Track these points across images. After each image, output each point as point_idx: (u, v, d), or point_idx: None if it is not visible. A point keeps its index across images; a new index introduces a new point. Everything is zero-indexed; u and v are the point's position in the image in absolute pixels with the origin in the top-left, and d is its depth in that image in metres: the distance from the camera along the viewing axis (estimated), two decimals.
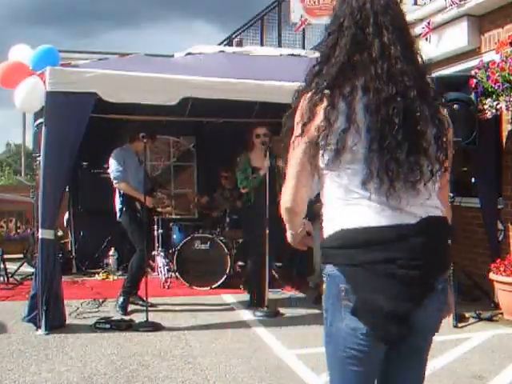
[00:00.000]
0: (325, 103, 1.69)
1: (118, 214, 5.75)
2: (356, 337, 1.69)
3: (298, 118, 1.76)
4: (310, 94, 1.74)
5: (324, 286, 1.78)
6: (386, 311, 1.64)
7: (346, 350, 1.72)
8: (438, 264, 1.73)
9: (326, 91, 1.71)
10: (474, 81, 5.45)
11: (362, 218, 1.68)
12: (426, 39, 6.90)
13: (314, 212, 2.27)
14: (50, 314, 4.86)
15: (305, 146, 1.73)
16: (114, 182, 5.69)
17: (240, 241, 7.09)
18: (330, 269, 1.74)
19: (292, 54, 6.63)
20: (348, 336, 1.70)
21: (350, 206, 1.71)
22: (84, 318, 5.37)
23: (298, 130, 1.74)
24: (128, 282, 5.69)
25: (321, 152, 1.71)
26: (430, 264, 1.68)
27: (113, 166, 5.71)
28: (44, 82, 4.99)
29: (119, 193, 5.73)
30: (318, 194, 1.85)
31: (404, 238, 1.66)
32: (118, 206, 5.74)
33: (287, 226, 1.95)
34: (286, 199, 1.82)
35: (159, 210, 6.36)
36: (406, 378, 1.84)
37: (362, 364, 1.72)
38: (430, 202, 1.74)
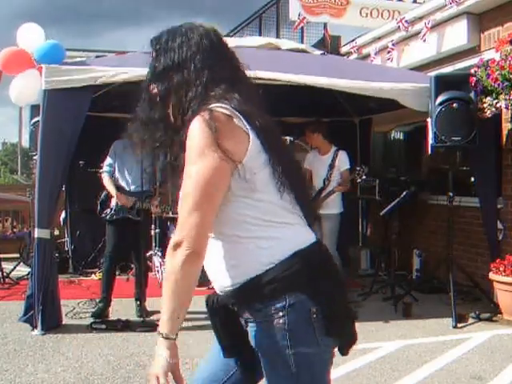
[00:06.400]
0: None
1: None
2: (330, 353, 1.67)
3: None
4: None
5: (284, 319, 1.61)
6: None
7: (324, 372, 1.67)
8: None
9: None
10: (474, 79, 5.42)
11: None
12: (425, 40, 6.88)
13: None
14: (46, 314, 4.83)
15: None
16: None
17: None
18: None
19: None
20: (324, 355, 1.66)
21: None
22: (80, 318, 5.33)
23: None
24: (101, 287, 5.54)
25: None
26: None
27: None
28: None
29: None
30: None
31: None
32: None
33: (173, 303, 1.57)
34: (194, 240, 1.53)
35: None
36: None
37: None
38: None
